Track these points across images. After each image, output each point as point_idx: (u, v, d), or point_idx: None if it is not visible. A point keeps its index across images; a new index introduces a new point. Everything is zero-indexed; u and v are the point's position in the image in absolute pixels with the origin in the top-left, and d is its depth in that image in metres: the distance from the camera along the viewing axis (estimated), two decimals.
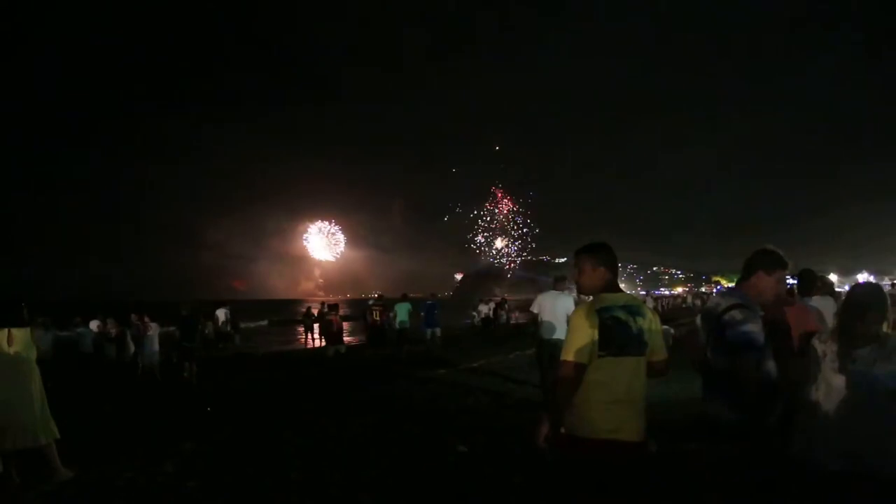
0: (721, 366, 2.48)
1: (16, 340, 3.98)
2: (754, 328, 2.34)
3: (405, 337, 12.62)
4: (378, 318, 14.11)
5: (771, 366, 2.39)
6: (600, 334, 2.15)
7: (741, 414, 2.35)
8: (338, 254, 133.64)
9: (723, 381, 2.45)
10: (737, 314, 2.38)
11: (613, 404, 2.15)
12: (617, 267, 2.37)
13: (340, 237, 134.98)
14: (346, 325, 14.11)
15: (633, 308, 2.27)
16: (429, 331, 12.96)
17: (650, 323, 2.27)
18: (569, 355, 2.14)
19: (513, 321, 20.40)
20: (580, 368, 2.12)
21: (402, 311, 13.04)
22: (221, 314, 16.16)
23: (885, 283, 46.63)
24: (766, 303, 2.50)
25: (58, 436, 4.09)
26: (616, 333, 2.17)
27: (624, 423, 2.15)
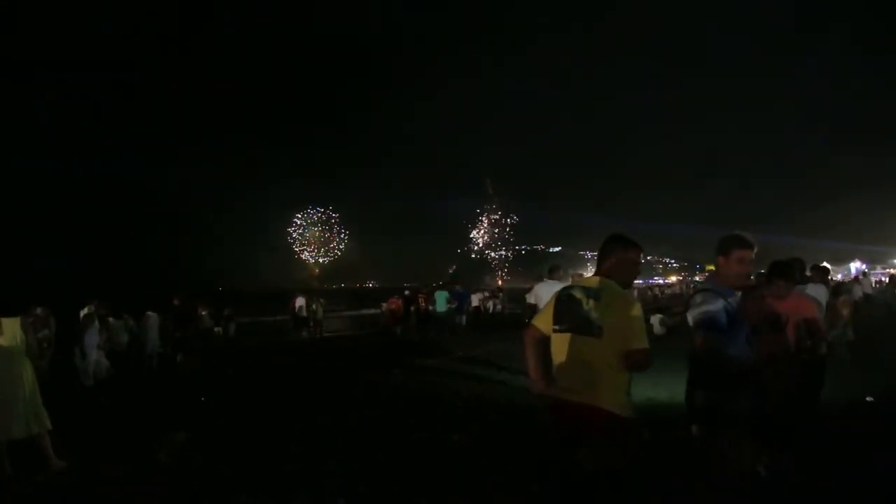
0: (691, 349, 2.54)
1: (5, 330, 3.94)
2: (711, 309, 2.39)
3: (444, 321, 14.72)
4: (423, 304, 15.80)
5: (742, 351, 2.42)
6: (554, 309, 2.37)
7: (710, 398, 2.41)
8: (338, 251, 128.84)
9: (693, 365, 2.53)
10: (697, 298, 2.49)
11: (570, 375, 2.24)
12: (604, 256, 2.37)
13: (339, 229, 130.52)
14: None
15: (593, 290, 2.26)
16: (459, 316, 14.95)
17: (607, 308, 2.19)
18: (533, 320, 2.53)
19: (506, 311, 20.49)
20: (535, 330, 2.45)
21: (440, 299, 14.81)
22: (300, 301, 16.45)
23: (878, 271, 47.13)
24: (735, 285, 2.51)
25: (50, 426, 4.07)
26: (564, 309, 2.32)
27: (583, 389, 2.18)
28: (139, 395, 7.41)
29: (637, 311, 2.22)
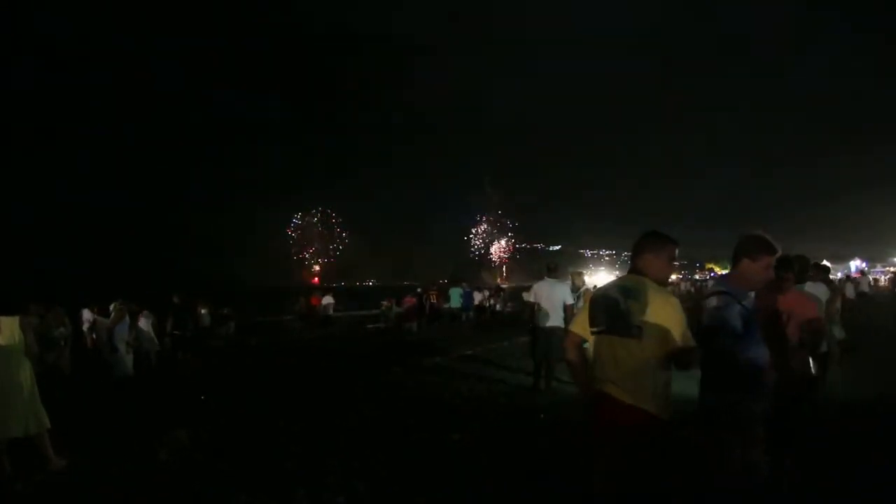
0: (703, 351, 2.52)
1: (4, 330, 3.94)
2: (729, 314, 2.34)
3: (457, 316, 15.77)
4: (435, 301, 16.53)
5: (757, 353, 2.38)
6: (589, 310, 2.31)
7: (721, 399, 2.38)
8: (338, 251, 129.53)
9: (705, 366, 2.50)
10: (713, 300, 2.43)
11: (610, 377, 2.20)
12: (639, 253, 2.32)
13: (340, 230, 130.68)
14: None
15: (629, 289, 2.20)
16: (464, 314, 15.73)
17: (646, 306, 2.13)
18: (570, 325, 2.47)
19: (507, 309, 20.49)
20: (574, 335, 2.39)
21: (454, 295, 15.77)
22: (328, 299, 17.25)
23: (877, 269, 47.19)
24: (754, 290, 2.47)
25: (48, 425, 4.08)
26: (600, 310, 2.26)
27: (622, 389, 2.15)
28: (139, 393, 7.40)
29: (677, 308, 2.16)
